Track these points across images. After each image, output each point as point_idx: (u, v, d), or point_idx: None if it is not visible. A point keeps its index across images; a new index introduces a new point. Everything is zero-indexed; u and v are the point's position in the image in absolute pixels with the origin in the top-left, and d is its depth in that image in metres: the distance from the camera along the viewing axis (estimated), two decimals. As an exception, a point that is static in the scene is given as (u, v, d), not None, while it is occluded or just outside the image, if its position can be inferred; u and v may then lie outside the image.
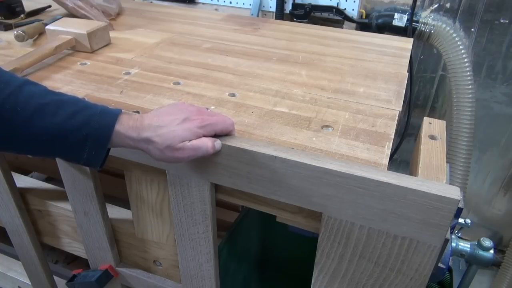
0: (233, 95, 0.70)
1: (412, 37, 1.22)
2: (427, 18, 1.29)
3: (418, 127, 0.78)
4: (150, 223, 0.74)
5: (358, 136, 0.59)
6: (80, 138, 0.47)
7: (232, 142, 0.53)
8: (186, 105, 0.52)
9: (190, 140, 0.48)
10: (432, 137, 0.64)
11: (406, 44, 0.98)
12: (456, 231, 0.75)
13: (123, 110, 0.50)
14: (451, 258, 0.65)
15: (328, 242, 0.55)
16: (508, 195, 1.49)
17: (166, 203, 0.69)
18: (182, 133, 0.48)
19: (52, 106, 0.46)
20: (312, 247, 0.58)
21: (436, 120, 0.69)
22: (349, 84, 0.75)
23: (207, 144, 0.50)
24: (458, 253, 0.69)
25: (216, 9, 1.52)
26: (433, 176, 0.55)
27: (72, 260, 1.32)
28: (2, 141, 0.46)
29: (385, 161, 0.53)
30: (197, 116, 0.50)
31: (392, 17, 1.29)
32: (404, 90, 0.74)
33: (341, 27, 1.34)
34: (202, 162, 0.56)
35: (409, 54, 0.92)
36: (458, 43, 1.24)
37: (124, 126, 0.48)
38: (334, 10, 1.32)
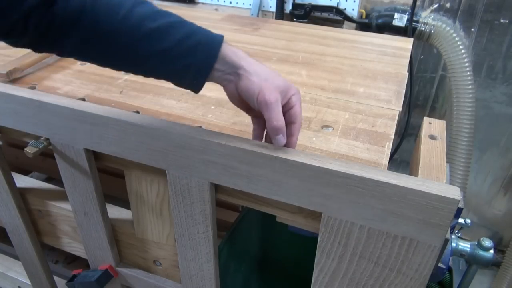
0: (233, 95, 0.70)
1: (412, 37, 1.22)
2: (427, 18, 1.29)
3: (418, 127, 0.78)
4: (150, 223, 0.74)
5: (358, 136, 0.59)
6: (184, 66, 0.48)
7: (232, 142, 0.53)
8: None
9: (280, 99, 0.48)
10: (432, 137, 0.64)
11: (406, 44, 0.98)
12: (456, 231, 0.75)
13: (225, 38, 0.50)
14: (451, 258, 0.65)
15: (328, 242, 0.55)
16: (508, 195, 1.49)
17: (166, 203, 0.69)
18: (279, 78, 0.49)
19: (159, 33, 0.48)
20: (312, 247, 0.58)
21: (436, 120, 0.69)
22: (349, 84, 0.75)
23: (280, 128, 0.49)
24: (458, 253, 0.69)
25: (216, 9, 1.52)
26: (433, 176, 0.55)
27: (72, 260, 1.32)
28: (120, 58, 0.49)
29: (385, 161, 0.53)
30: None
31: (392, 17, 1.29)
32: (404, 90, 0.74)
33: (341, 27, 1.34)
34: (202, 162, 0.56)
35: (409, 54, 0.92)
36: (458, 43, 1.24)
37: (229, 47, 0.49)
38: (334, 10, 1.32)
